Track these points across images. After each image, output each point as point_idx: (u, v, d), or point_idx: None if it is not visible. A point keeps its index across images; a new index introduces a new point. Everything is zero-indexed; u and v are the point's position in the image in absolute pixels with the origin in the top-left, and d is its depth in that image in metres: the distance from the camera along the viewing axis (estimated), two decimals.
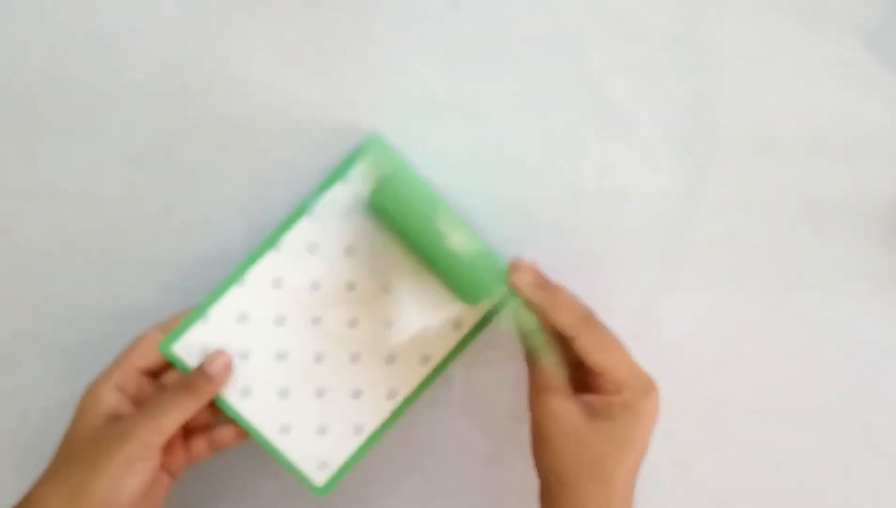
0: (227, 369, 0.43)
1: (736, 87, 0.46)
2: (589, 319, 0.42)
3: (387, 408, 0.46)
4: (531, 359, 0.43)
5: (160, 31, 0.45)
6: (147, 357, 0.43)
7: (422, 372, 0.46)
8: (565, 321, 0.41)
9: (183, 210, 0.47)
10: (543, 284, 0.42)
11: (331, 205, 0.44)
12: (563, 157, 0.47)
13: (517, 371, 0.49)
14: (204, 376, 0.42)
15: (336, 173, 0.44)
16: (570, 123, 0.46)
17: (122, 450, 0.39)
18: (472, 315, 0.46)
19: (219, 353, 0.43)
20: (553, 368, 0.42)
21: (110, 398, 0.41)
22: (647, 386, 0.41)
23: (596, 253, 0.48)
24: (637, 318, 0.49)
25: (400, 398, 0.46)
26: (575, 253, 0.48)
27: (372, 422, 0.46)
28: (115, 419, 0.40)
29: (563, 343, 0.42)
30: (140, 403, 0.42)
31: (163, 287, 0.48)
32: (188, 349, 0.43)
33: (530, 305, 0.42)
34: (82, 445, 0.40)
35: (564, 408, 0.40)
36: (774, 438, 0.50)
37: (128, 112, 0.46)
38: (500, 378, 0.50)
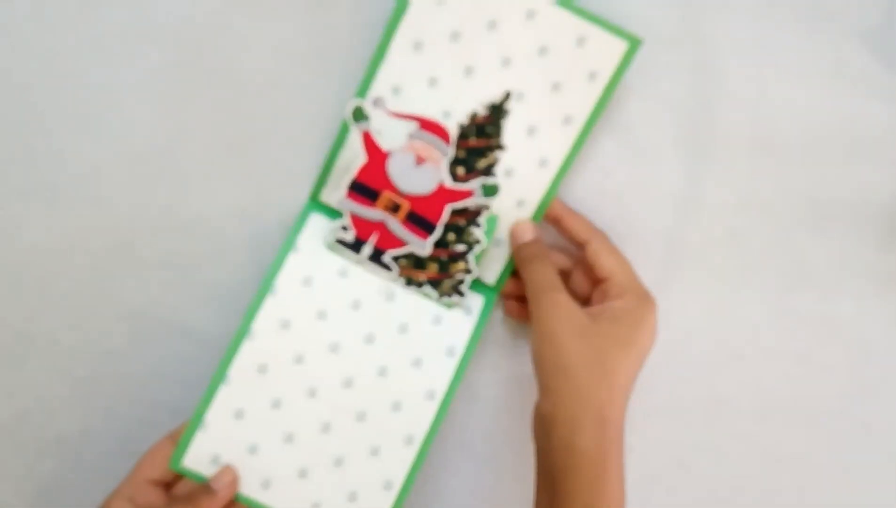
0: (233, 485, 0.43)
1: (736, 87, 0.46)
2: (599, 230, 0.45)
3: (409, 455, 0.45)
4: (529, 267, 0.44)
5: (160, 31, 0.45)
6: (157, 469, 0.43)
7: (431, 408, 0.45)
8: (580, 226, 0.45)
9: (183, 210, 0.47)
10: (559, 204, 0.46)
11: (291, 277, 0.44)
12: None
13: (517, 372, 0.49)
14: (208, 491, 0.42)
15: (286, 245, 0.44)
16: None
17: None
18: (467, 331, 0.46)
19: (226, 469, 0.43)
20: (554, 272, 0.43)
21: None
22: (648, 297, 0.43)
23: None
24: None
25: (419, 441, 0.45)
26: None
27: (398, 473, 0.45)
28: None
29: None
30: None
31: (163, 287, 0.48)
32: (197, 460, 0.43)
33: (548, 216, 0.45)
34: None
35: (570, 304, 0.41)
36: (774, 438, 0.50)
37: (128, 112, 0.46)
38: (500, 379, 0.50)
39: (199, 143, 0.46)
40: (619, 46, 0.42)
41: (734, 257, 0.48)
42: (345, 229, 0.44)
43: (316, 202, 0.46)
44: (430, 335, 0.45)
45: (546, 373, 0.41)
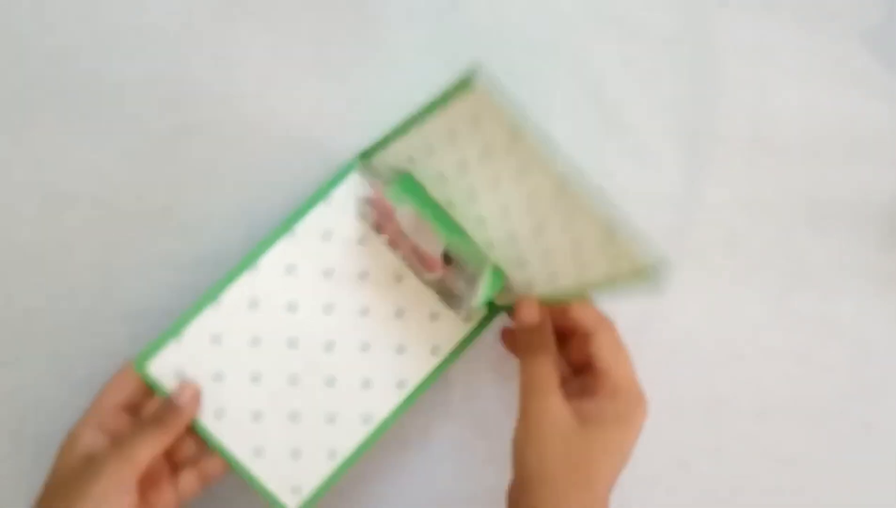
0: (196, 400, 0.43)
1: (736, 87, 0.46)
2: (607, 320, 0.43)
3: (361, 433, 0.45)
4: (527, 358, 0.43)
5: (160, 32, 0.45)
6: (123, 391, 0.43)
7: (397, 396, 0.45)
8: (589, 315, 0.43)
9: (183, 210, 0.47)
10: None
11: (312, 226, 0.44)
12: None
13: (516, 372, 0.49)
14: (172, 408, 0.42)
15: (319, 193, 0.44)
16: (570, 123, 0.46)
17: (95, 487, 0.39)
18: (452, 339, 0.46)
19: (186, 385, 0.43)
20: (552, 368, 0.42)
21: (87, 439, 0.41)
22: (640, 399, 0.42)
23: None
24: (637, 318, 0.49)
25: (374, 423, 0.45)
26: None
27: (346, 447, 0.45)
28: (92, 458, 0.40)
29: (561, 346, 0.43)
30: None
31: (163, 287, 0.48)
32: (163, 370, 0.43)
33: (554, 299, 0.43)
34: (59, 486, 0.40)
35: (560, 409, 0.41)
36: (774, 438, 0.50)
37: (128, 112, 0.46)
38: (499, 379, 0.50)
39: (199, 143, 0.46)
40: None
41: (734, 257, 0.48)
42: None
43: (366, 158, 0.45)
44: (422, 328, 0.46)
45: (526, 471, 0.41)
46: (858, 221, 0.47)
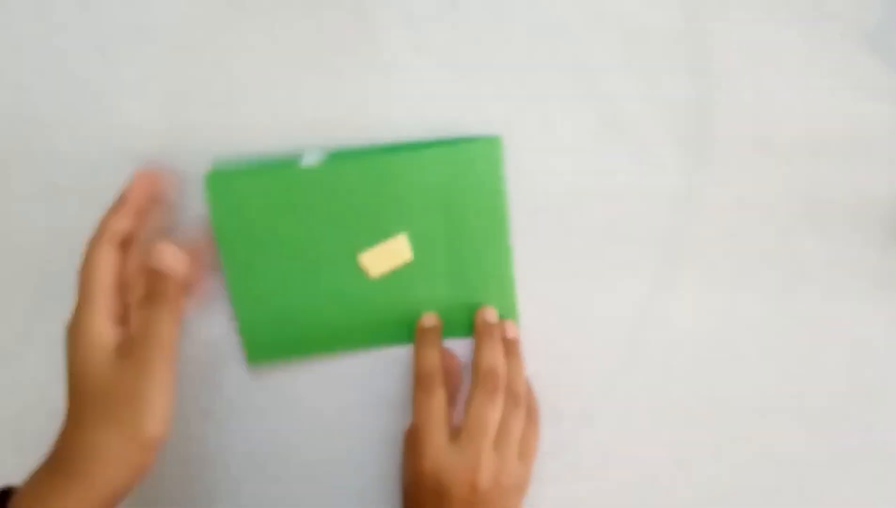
0: (183, 263, 0.43)
1: (736, 87, 0.46)
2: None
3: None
4: (421, 351, 0.46)
5: (160, 31, 0.45)
6: (112, 268, 0.42)
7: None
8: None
9: (183, 210, 0.47)
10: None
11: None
12: (562, 157, 0.47)
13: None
14: (176, 285, 0.42)
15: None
16: (569, 123, 0.46)
17: (156, 380, 0.40)
18: None
19: (165, 246, 0.43)
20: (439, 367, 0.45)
21: (110, 333, 0.41)
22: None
23: (596, 253, 0.48)
24: (637, 318, 0.49)
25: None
26: (575, 253, 0.48)
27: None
28: (124, 352, 0.41)
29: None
30: (124, 317, 0.43)
31: None
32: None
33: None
34: (111, 385, 0.40)
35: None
36: (774, 438, 0.50)
37: (127, 112, 0.46)
38: None
39: (200, 143, 0.46)
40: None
41: (734, 257, 0.48)
42: None
43: None
44: None
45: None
46: (858, 221, 0.47)
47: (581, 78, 0.46)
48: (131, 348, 0.41)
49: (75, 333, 0.41)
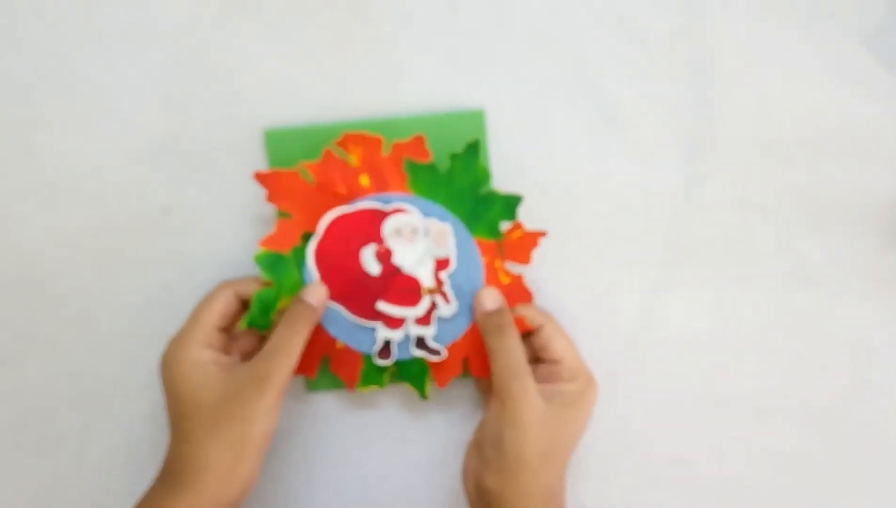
0: (326, 299, 0.44)
1: (736, 87, 0.46)
2: (547, 313, 0.46)
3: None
4: (499, 342, 0.44)
5: (160, 31, 0.45)
6: (224, 317, 0.44)
7: None
8: (535, 312, 0.46)
9: (183, 210, 0.47)
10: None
11: None
12: (562, 157, 0.47)
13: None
14: (309, 308, 0.43)
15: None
16: (569, 122, 0.46)
17: (266, 396, 0.40)
18: None
19: (317, 285, 0.44)
20: (524, 350, 0.44)
21: (208, 354, 0.42)
22: (593, 380, 0.45)
23: (596, 253, 0.48)
24: (637, 318, 0.49)
25: None
26: (575, 253, 0.48)
27: None
28: (228, 369, 0.42)
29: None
30: (226, 348, 0.44)
31: (163, 287, 0.48)
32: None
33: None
34: (216, 402, 0.41)
35: (536, 393, 0.43)
36: (774, 438, 0.50)
37: (128, 112, 0.46)
38: None
39: (200, 143, 0.46)
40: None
41: (734, 257, 0.48)
42: None
43: None
44: None
45: (502, 455, 0.42)
46: (858, 221, 0.47)
47: (581, 78, 0.46)
48: (248, 367, 0.41)
49: (170, 354, 0.43)
